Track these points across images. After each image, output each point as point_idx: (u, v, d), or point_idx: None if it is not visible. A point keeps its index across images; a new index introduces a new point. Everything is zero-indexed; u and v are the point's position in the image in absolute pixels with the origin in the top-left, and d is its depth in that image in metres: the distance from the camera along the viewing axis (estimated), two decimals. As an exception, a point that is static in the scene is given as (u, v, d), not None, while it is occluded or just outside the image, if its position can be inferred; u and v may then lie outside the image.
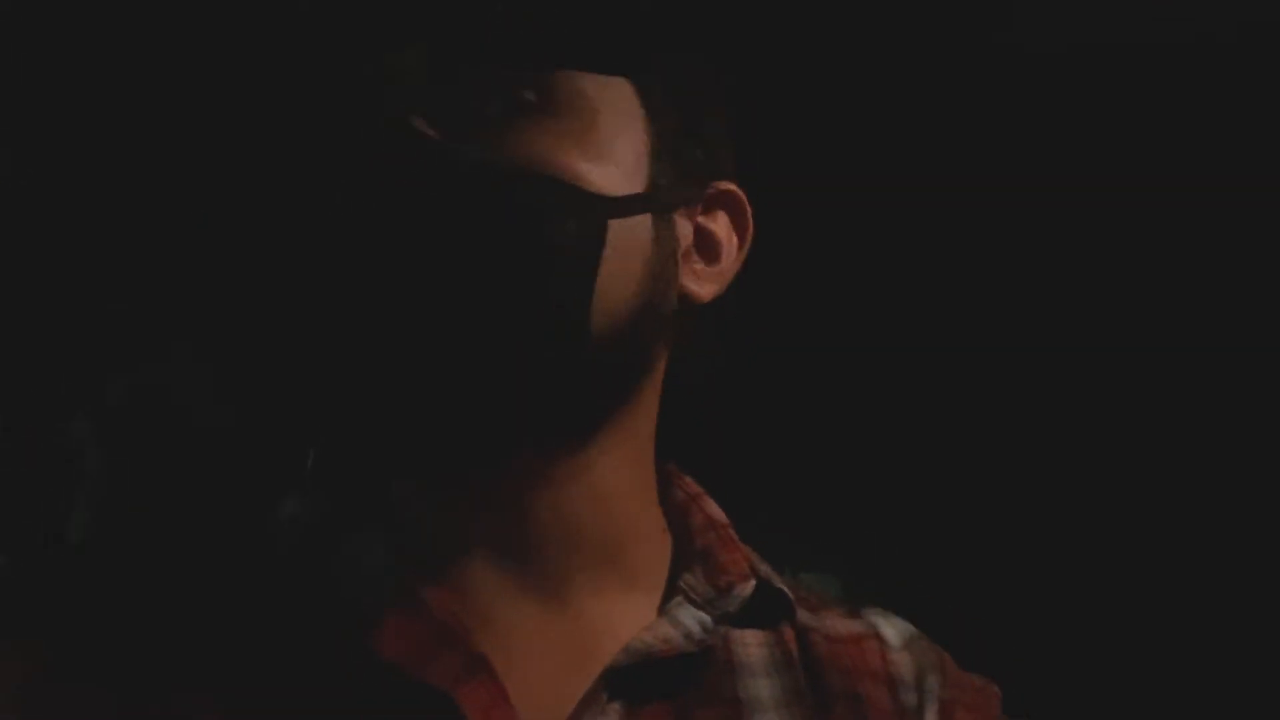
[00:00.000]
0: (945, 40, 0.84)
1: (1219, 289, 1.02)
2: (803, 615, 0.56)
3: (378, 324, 0.46)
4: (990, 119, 0.86)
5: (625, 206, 0.50)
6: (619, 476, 0.53)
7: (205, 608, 0.47)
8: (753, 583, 0.53)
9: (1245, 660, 1.06)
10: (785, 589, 0.55)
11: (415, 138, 0.47)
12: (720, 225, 0.55)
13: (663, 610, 0.52)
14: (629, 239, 0.50)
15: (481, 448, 0.49)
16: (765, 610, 0.54)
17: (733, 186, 0.56)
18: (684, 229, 0.53)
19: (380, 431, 0.49)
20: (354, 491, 0.53)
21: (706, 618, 0.51)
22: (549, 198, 0.48)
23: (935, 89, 0.86)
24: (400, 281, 0.46)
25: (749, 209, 0.56)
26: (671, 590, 0.53)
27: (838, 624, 0.57)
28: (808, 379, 1.13)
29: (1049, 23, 0.81)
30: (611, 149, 0.51)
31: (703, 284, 0.54)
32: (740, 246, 0.56)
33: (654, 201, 0.52)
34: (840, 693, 0.53)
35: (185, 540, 0.52)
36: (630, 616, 0.51)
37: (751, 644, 0.53)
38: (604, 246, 0.48)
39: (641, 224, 0.51)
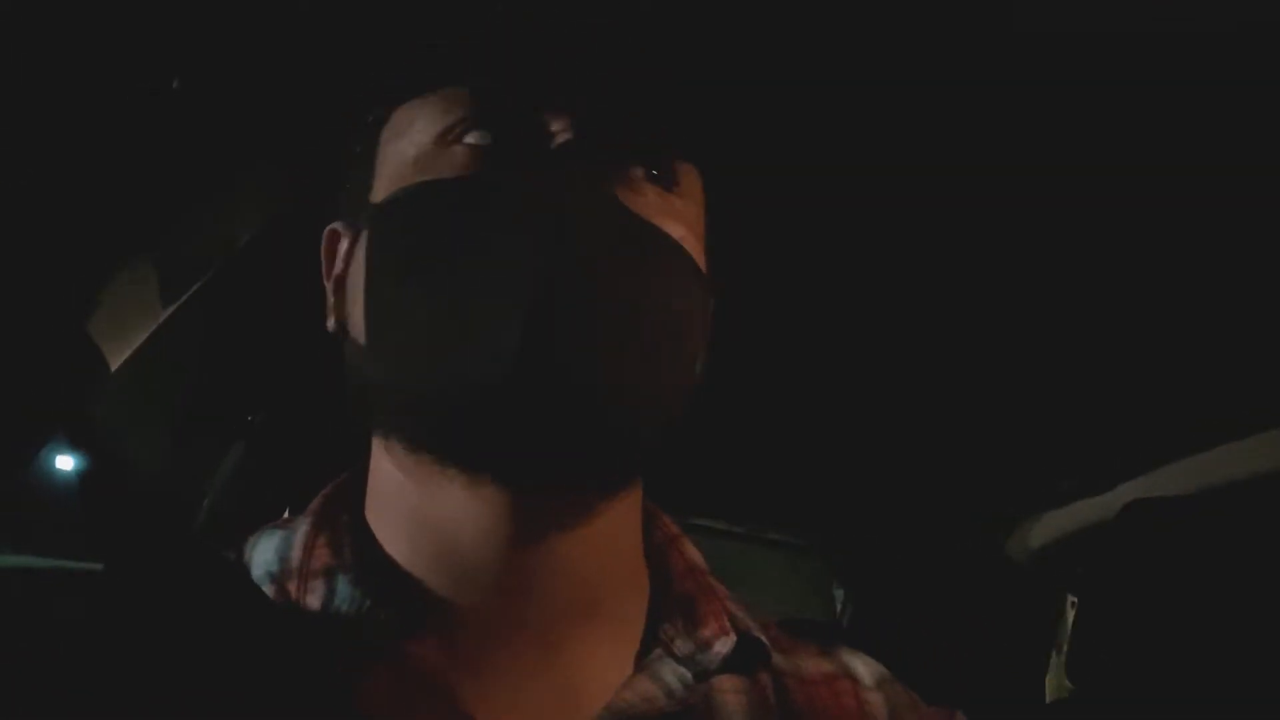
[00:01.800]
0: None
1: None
2: (777, 658, 0.55)
3: (528, 342, 0.46)
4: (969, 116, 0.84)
5: (711, 288, 0.55)
6: (621, 525, 0.54)
7: (182, 656, 0.46)
8: (733, 638, 0.53)
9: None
10: (762, 638, 0.54)
11: (604, 193, 0.50)
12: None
13: (644, 661, 0.52)
14: (705, 319, 0.55)
15: (552, 474, 0.49)
16: (744, 658, 0.53)
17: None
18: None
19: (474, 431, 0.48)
20: (336, 537, 0.53)
21: (687, 674, 0.51)
22: (683, 271, 0.52)
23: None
24: (555, 312, 0.47)
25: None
26: (651, 638, 0.53)
27: (810, 664, 0.57)
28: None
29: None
30: (700, 232, 0.55)
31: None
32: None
33: (716, 285, 0.56)
34: None
35: (163, 582, 0.50)
36: (612, 664, 0.51)
37: (730, 691, 0.52)
38: (707, 327, 0.54)
39: (707, 305, 0.55)
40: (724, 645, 0.52)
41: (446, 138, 0.51)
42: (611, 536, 0.52)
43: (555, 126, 0.50)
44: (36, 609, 0.47)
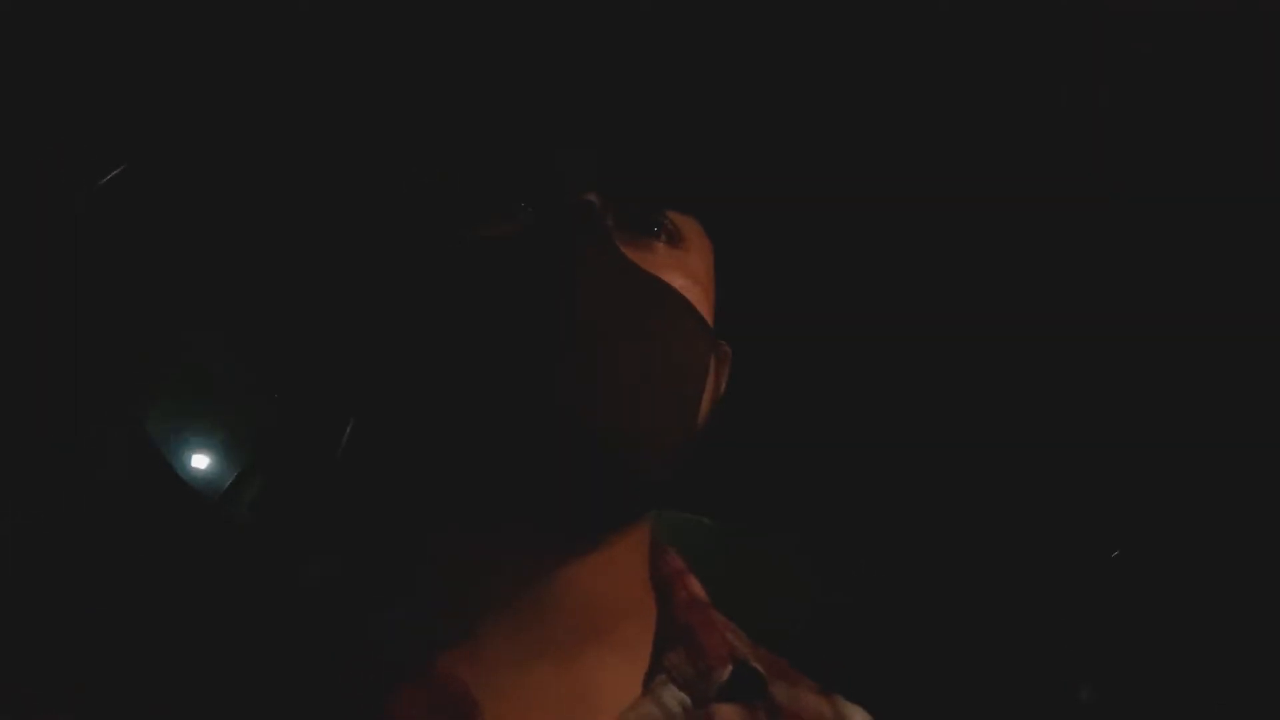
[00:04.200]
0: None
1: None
2: (778, 690, 0.59)
3: (528, 386, 0.50)
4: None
5: (715, 344, 0.60)
6: (631, 558, 0.58)
7: (228, 666, 0.50)
8: (730, 668, 0.57)
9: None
10: (759, 668, 0.58)
11: (612, 247, 0.54)
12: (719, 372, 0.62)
13: (648, 685, 0.55)
14: (709, 365, 0.59)
15: (568, 514, 0.53)
16: (742, 687, 0.57)
17: (725, 344, 0.63)
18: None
19: (487, 479, 0.52)
20: (377, 560, 0.57)
21: (687, 699, 0.55)
22: (685, 320, 0.55)
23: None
24: (559, 358, 0.50)
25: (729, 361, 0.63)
26: (656, 663, 0.56)
27: (810, 702, 0.61)
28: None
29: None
30: (708, 289, 0.59)
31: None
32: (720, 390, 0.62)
33: (719, 342, 0.61)
34: None
35: (210, 599, 0.55)
36: (619, 686, 0.55)
37: None
38: (706, 375, 0.57)
39: (711, 352, 0.59)
40: (721, 673, 0.56)
41: (484, 206, 0.56)
42: (618, 568, 0.56)
43: (576, 189, 0.54)
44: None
